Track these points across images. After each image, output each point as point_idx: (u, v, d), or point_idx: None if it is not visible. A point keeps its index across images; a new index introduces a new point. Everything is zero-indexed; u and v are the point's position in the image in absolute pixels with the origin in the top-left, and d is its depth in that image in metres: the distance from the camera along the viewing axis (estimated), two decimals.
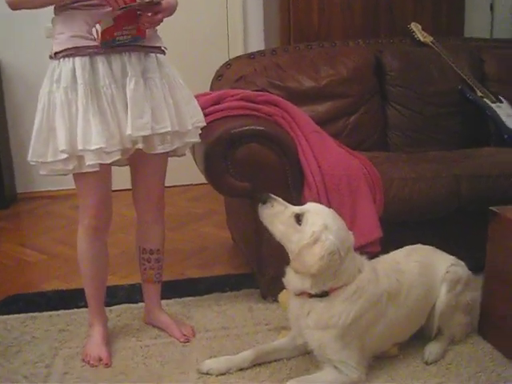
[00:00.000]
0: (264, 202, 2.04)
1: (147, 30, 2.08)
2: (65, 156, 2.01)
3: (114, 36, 1.99)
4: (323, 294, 2.00)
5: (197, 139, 2.29)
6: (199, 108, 2.31)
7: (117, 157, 2.06)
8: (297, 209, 2.02)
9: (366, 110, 3.39)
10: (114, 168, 2.19)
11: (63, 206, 4.47)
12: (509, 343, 2.19)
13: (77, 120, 2.00)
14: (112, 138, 2.03)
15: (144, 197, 2.35)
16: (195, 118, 2.25)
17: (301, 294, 2.04)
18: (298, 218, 1.98)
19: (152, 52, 2.15)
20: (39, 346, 2.37)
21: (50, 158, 2.04)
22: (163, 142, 2.14)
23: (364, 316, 2.01)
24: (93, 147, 1.99)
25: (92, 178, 2.09)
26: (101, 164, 2.03)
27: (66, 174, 2.11)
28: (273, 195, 2.06)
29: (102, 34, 1.97)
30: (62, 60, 2.03)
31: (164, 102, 2.12)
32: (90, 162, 2.01)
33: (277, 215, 2.02)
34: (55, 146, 2.02)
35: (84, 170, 2.05)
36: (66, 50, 2.02)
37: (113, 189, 2.25)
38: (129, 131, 2.04)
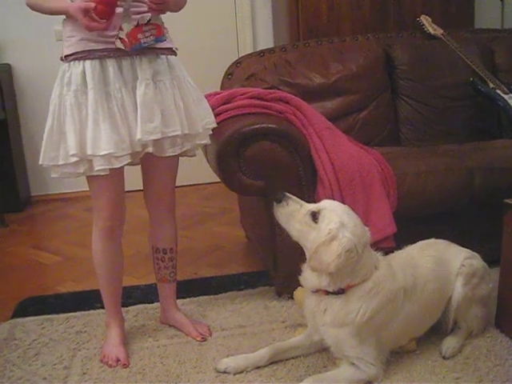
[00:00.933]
0: (279, 201, 2.03)
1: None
2: (75, 159, 2.02)
3: (138, 39, 2.00)
4: (340, 291, 1.99)
5: (207, 141, 2.29)
6: (210, 109, 2.31)
7: (126, 161, 2.07)
8: (312, 206, 2.01)
9: (376, 105, 3.38)
10: (126, 169, 2.20)
11: (77, 208, 4.50)
12: None
13: (87, 124, 2.01)
14: (122, 143, 2.02)
15: (155, 197, 2.36)
16: (206, 120, 2.25)
17: (317, 291, 2.04)
18: (315, 216, 1.97)
19: (163, 53, 2.14)
20: (57, 347, 2.38)
21: (61, 161, 2.05)
22: (173, 145, 2.15)
23: (380, 313, 2.00)
24: (102, 153, 1.99)
25: (104, 179, 2.09)
26: (104, 171, 2.04)
27: (77, 177, 2.13)
28: (288, 193, 2.06)
29: (127, 38, 1.98)
30: (72, 63, 2.03)
31: (174, 104, 2.12)
32: (99, 167, 2.02)
33: (292, 214, 2.01)
34: (66, 150, 2.02)
35: (95, 174, 2.05)
36: (76, 53, 2.02)
37: (126, 189, 2.26)
38: (139, 136, 2.03)
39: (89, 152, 1.99)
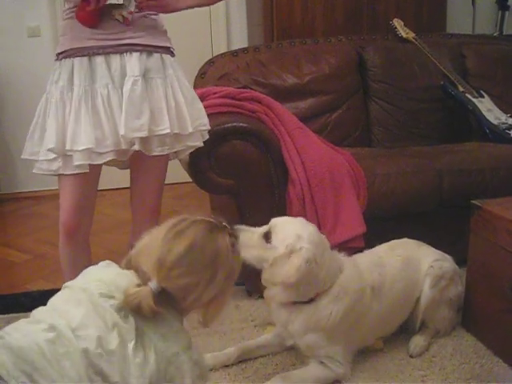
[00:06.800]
0: (237, 237, 1.75)
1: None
2: (53, 156, 1.99)
3: None
4: (309, 301, 1.98)
5: (199, 143, 2.21)
6: (203, 111, 2.23)
7: (109, 158, 2.02)
8: (263, 228, 1.97)
9: (348, 106, 3.40)
10: (104, 167, 2.16)
11: (48, 206, 4.45)
12: (491, 335, 2.22)
13: (69, 120, 1.98)
14: (105, 140, 1.99)
15: (139, 200, 2.30)
16: (198, 122, 2.17)
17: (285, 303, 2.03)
18: (267, 237, 1.94)
19: (156, 51, 2.11)
20: None
21: (42, 156, 2.03)
22: (162, 144, 2.08)
23: (350, 313, 2.01)
24: (80, 148, 1.96)
25: (72, 181, 2.05)
26: (83, 167, 2.00)
27: (53, 175, 2.08)
28: (236, 225, 1.86)
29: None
30: (62, 61, 2.03)
31: (165, 103, 2.05)
32: (78, 162, 1.97)
33: (247, 243, 1.90)
34: (46, 145, 2.01)
35: (67, 172, 2.02)
36: (66, 51, 2.02)
37: (98, 188, 2.22)
38: (122, 132, 1.98)
39: (67, 147, 1.96)
